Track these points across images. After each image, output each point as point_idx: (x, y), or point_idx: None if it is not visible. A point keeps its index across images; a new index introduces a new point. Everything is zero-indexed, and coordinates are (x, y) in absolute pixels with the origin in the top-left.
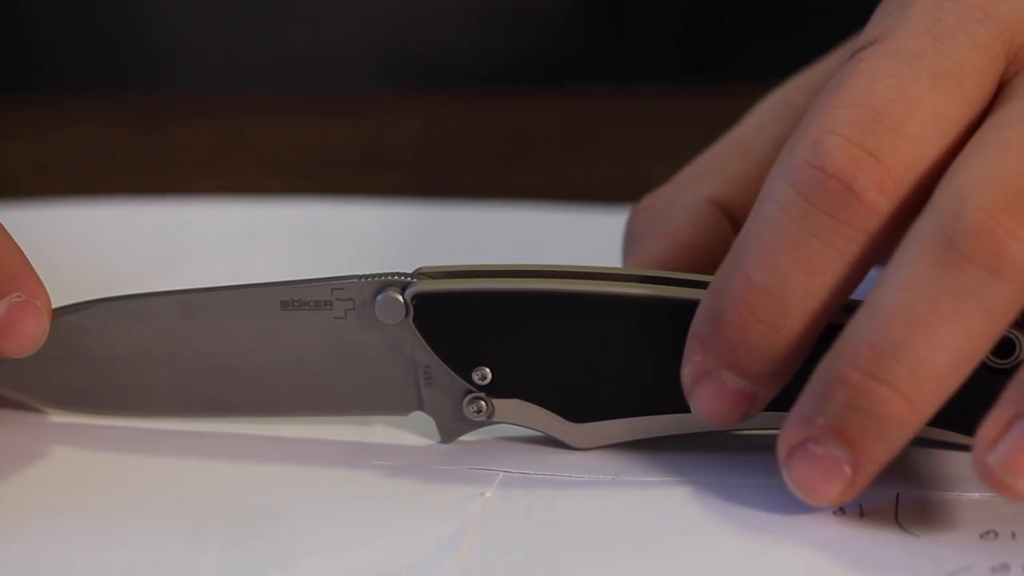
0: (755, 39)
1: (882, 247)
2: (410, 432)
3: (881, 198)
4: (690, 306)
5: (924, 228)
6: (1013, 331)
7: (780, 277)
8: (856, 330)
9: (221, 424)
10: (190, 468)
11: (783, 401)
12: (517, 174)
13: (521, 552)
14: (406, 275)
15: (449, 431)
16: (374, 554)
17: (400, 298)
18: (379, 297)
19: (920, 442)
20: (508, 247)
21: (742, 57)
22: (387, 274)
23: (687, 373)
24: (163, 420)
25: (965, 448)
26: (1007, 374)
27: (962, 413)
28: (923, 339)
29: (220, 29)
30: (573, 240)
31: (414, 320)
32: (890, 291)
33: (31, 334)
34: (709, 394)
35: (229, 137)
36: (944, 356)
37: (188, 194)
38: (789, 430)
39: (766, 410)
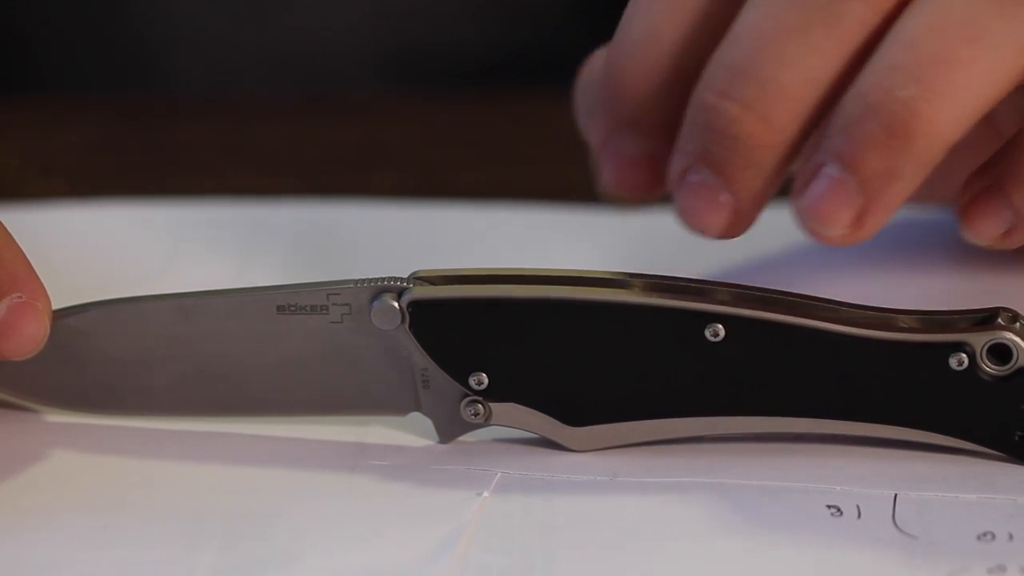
0: None
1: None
2: (408, 432)
3: None
4: (686, 312)
5: None
6: (1011, 337)
7: (657, 28)
8: (716, 56)
9: (219, 424)
10: (188, 468)
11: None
12: (517, 174)
13: (518, 552)
14: (402, 280)
15: (447, 432)
16: (371, 554)
17: (396, 304)
18: (375, 303)
19: (918, 445)
20: (508, 247)
21: None
22: (383, 279)
23: (595, 149)
24: (161, 420)
25: (962, 451)
26: (1006, 381)
27: (959, 418)
28: (771, 56)
29: (220, 29)
30: (573, 240)
31: (410, 326)
32: (744, 15)
33: (31, 336)
34: (612, 163)
35: (229, 137)
36: (794, 73)
37: (188, 194)
38: (673, 163)
39: (761, 413)
